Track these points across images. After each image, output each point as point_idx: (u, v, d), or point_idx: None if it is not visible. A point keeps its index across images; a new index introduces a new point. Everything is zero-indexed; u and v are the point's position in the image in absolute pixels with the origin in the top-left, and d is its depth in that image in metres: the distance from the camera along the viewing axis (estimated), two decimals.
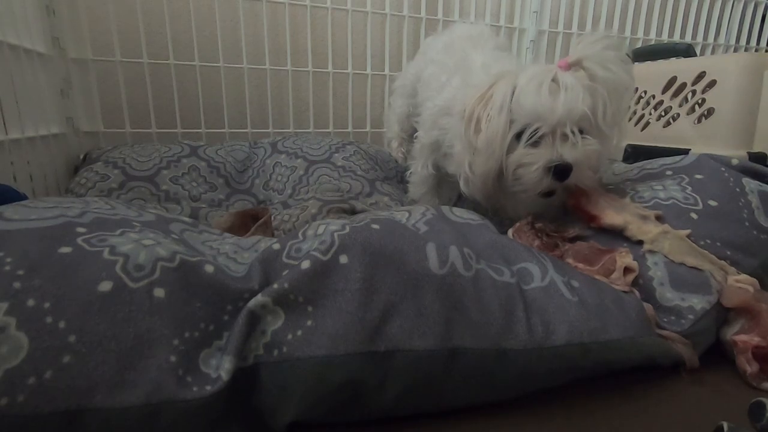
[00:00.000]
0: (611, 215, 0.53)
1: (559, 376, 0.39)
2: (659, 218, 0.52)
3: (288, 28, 1.16)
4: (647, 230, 0.50)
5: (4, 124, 0.73)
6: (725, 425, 0.29)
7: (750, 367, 0.43)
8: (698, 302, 0.45)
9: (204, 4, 1.12)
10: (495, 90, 0.56)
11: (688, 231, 0.50)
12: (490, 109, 0.55)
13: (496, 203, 0.65)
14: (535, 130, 0.54)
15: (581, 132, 0.54)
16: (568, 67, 0.54)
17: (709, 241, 0.50)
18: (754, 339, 0.44)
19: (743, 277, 0.47)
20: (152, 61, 1.07)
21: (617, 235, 0.52)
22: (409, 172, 0.84)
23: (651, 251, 0.49)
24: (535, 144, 0.55)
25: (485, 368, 0.37)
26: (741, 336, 0.44)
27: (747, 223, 0.51)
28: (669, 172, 0.59)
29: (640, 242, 0.50)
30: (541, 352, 0.38)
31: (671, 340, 0.43)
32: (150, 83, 1.08)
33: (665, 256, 0.48)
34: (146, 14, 1.06)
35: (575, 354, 0.38)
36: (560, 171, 0.53)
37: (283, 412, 0.33)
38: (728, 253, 0.49)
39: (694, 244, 0.49)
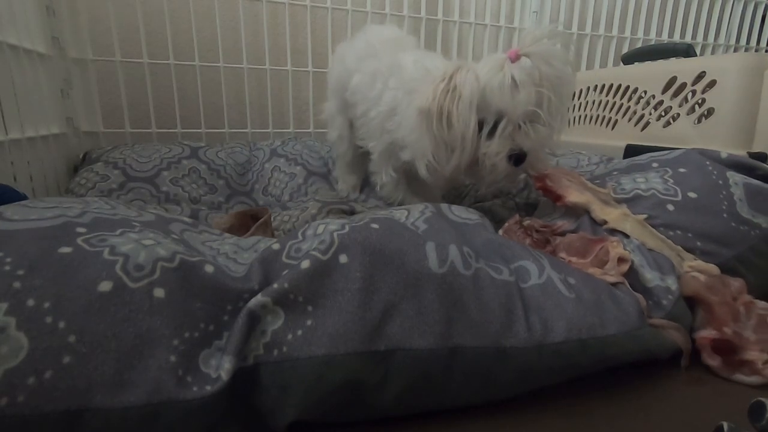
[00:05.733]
0: (574, 194, 0.56)
1: (558, 374, 0.39)
2: (617, 200, 0.55)
3: (288, 28, 1.16)
4: (609, 211, 0.53)
5: (4, 124, 0.73)
6: (725, 425, 0.29)
7: (713, 361, 0.43)
8: (672, 283, 0.46)
9: (204, 4, 1.12)
10: (460, 83, 0.57)
11: (645, 215, 0.52)
12: (458, 103, 0.57)
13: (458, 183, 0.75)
14: (496, 123, 0.59)
15: (531, 122, 0.60)
16: (517, 57, 0.58)
17: (679, 232, 0.51)
18: (711, 333, 0.44)
19: (697, 263, 0.48)
20: (152, 61, 1.07)
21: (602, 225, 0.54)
22: (378, 187, 0.82)
23: (625, 236, 0.51)
24: (492, 134, 0.60)
25: (485, 366, 0.37)
26: (700, 332, 0.45)
27: (725, 215, 0.52)
28: (655, 164, 0.60)
29: (605, 222, 0.53)
30: (540, 349, 0.38)
31: (663, 328, 0.43)
32: (150, 83, 1.08)
33: (637, 240, 0.50)
34: (146, 14, 1.06)
35: (574, 350, 0.38)
36: (517, 158, 0.60)
37: (283, 411, 0.33)
38: (698, 244, 0.50)
39: (653, 229, 0.50)
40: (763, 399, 0.29)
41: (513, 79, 0.57)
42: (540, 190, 0.61)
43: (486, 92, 0.58)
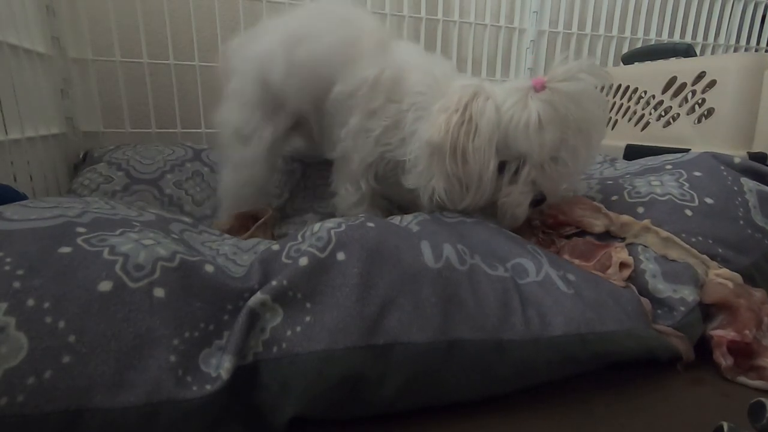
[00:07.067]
0: (591, 223, 0.54)
1: (557, 369, 0.39)
2: (633, 204, 0.54)
3: None
4: (628, 229, 0.52)
5: (4, 124, 0.73)
6: (725, 425, 0.29)
7: (724, 361, 0.43)
8: (690, 294, 0.45)
9: (204, 4, 1.12)
10: (477, 114, 0.51)
11: (667, 233, 0.50)
12: (474, 137, 0.52)
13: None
14: (519, 163, 0.55)
15: (553, 160, 0.55)
16: (542, 87, 0.52)
17: (701, 238, 0.50)
18: (730, 334, 0.44)
19: (723, 271, 0.48)
20: (152, 61, 1.07)
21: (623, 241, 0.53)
22: (339, 199, 0.72)
23: (643, 246, 0.50)
24: (514, 179, 0.55)
25: (484, 360, 0.37)
26: (718, 331, 0.45)
27: (742, 222, 0.52)
28: (669, 167, 0.59)
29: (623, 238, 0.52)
30: (538, 343, 0.38)
31: (666, 334, 0.43)
32: (150, 83, 1.08)
33: (657, 252, 0.49)
34: (146, 14, 1.06)
35: (573, 345, 0.39)
36: (537, 202, 0.56)
37: (283, 408, 0.33)
38: (719, 250, 0.50)
39: (676, 239, 0.49)
40: (763, 399, 0.29)
41: (538, 116, 0.51)
42: (553, 225, 0.58)
43: (509, 132, 0.52)
